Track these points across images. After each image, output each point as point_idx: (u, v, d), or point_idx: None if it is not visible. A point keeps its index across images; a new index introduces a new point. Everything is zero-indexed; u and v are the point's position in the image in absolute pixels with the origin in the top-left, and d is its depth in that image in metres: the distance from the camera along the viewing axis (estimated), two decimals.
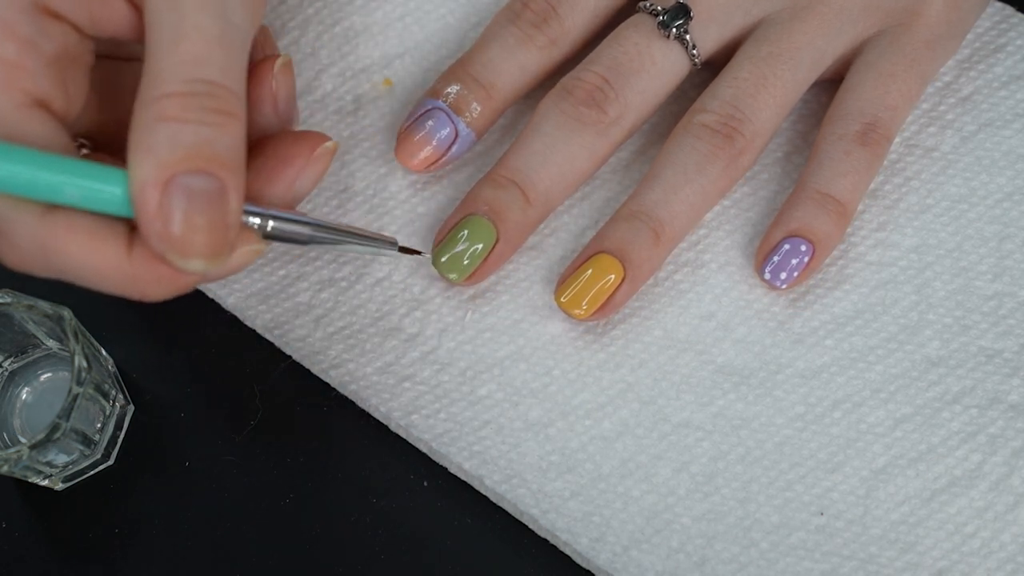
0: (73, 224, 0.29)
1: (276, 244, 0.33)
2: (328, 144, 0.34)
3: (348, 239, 0.35)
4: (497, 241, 0.39)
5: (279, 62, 0.34)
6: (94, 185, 0.28)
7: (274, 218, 0.32)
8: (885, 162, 0.41)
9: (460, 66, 0.41)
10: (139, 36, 0.31)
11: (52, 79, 0.30)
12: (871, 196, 0.42)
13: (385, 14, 0.45)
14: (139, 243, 0.29)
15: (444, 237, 0.39)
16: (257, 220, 0.32)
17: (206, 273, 0.30)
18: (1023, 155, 0.42)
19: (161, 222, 0.28)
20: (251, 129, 0.32)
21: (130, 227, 0.30)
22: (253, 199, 0.32)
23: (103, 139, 0.34)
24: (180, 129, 0.28)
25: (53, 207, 0.29)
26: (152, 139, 0.28)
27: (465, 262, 0.39)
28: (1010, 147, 0.42)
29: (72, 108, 0.31)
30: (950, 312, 0.40)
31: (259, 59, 0.34)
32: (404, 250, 0.37)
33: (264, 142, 0.34)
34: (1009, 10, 0.44)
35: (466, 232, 0.39)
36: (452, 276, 0.39)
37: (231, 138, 0.29)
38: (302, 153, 0.33)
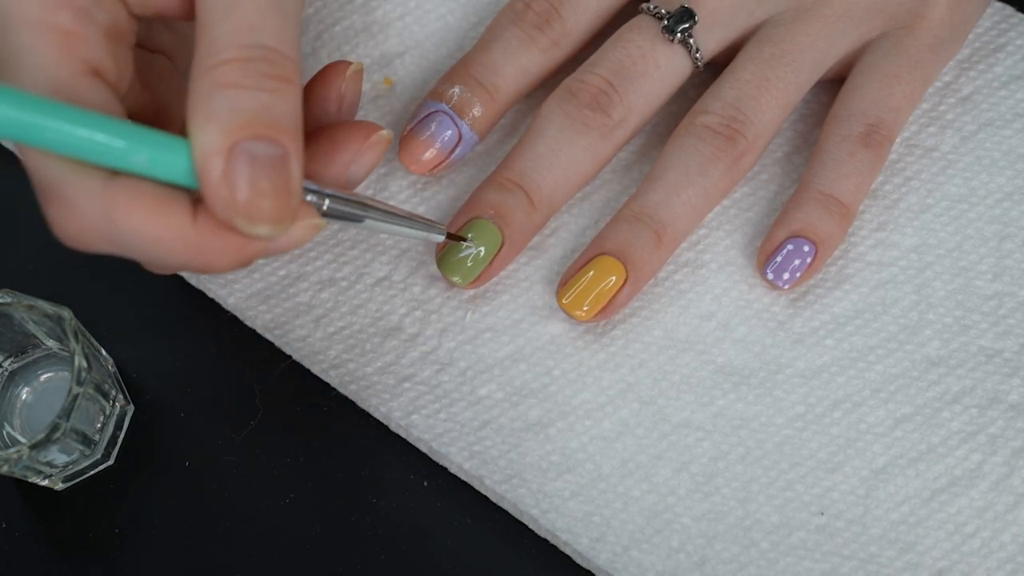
0: (137, 191, 0.29)
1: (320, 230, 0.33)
2: (383, 133, 0.34)
3: (399, 222, 0.35)
4: (502, 245, 0.39)
5: (352, 68, 0.34)
6: (159, 152, 0.28)
7: (331, 197, 0.32)
8: (885, 162, 0.41)
9: (462, 67, 0.41)
10: (183, 13, 0.31)
11: (106, 50, 0.30)
12: (871, 196, 0.42)
13: (385, 13, 0.45)
14: (203, 212, 0.29)
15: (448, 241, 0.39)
16: (314, 198, 0.32)
17: (271, 239, 0.30)
18: (1023, 155, 0.42)
19: (227, 189, 0.28)
20: (312, 122, 0.32)
21: (193, 196, 0.30)
22: (308, 180, 0.32)
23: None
24: (239, 95, 0.28)
25: (115, 175, 0.29)
26: (212, 106, 0.28)
27: (469, 265, 0.39)
28: (1010, 147, 0.42)
29: (122, 83, 0.31)
30: (950, 312, 0.40)
31: (332, 63, 0.35)
32: (452, 237, 0.38)
33: (320, 129, 0.34)
34: (1009, 10, 0.44)
35: (471, 235, 0.39)
36: (456, 279, 0.39)
37: (289, 103, 0.29)
38: (357, 139, 0.33)
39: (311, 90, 0.34)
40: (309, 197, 0.32)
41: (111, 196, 0.29)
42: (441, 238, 0.37)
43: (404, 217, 0.35)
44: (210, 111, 0.28)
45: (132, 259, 0.31)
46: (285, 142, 0.29)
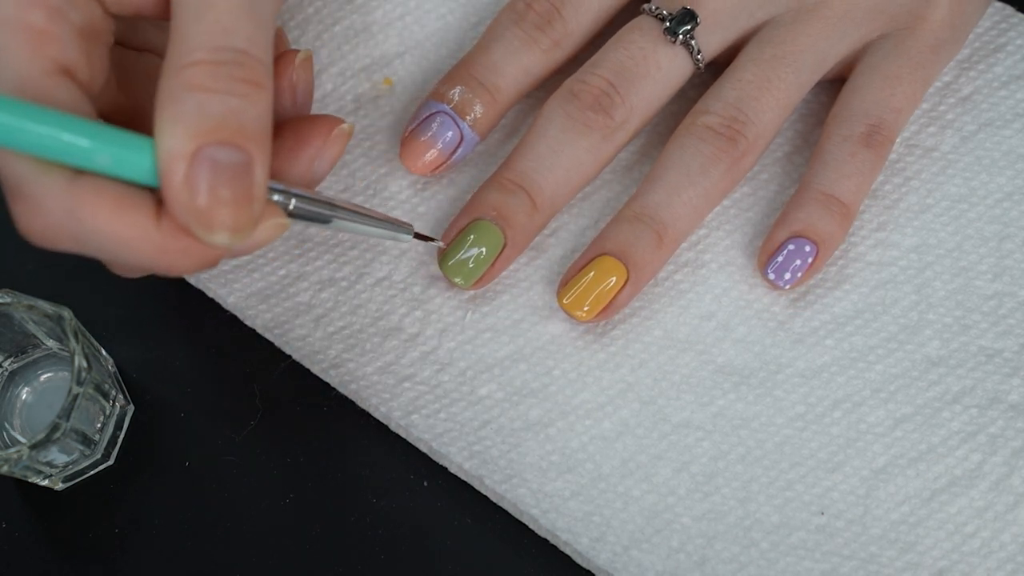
0: (101, 190, 0.29)
1: (278, 241, 0.33)
2: (344, 126, 0.34)
3: (367, 222, 0.35)
4: (505, 246, 0.39)
5: (300, 56, 0.34)
6: (123, 152, 0.28)
7: (296, 196, 0.32)
8: (885, 162, 0.41)
9: (463, 68, 0.41)
10: (161, 13, 0.31)
11: (79, 50, 0.30)
12: (871, 196, 0.42)
13: (385, 13, 0.45)
14: (167, 214, 0.29)
15: (451, 241, 0.39)
16: (279, 198, 0.32)
17: (231, 246, 0.30)
18: (1023, 155, 0.42)
19: (187, 194, 0.28)
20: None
21: (157, 197, 0.29)
22: (274, 179, 0.32)
23: (113, 124, 0.34)
24: (207, 99, 0.28)
25: (80, 174, 0.29)
26: (179, 108, 0.28)
27: (471, 266, 0.39)
28: (1010, 147, 0.42)
29: (95, 83, 0.31)
30: (950, 312, 0.40)
31: (280, 53, 0.34)
32: (419, 236, 0.38)
33: (282, 125, 0.34)
34: (1009, 10, 0.44)
35: (473, 237, 0.39)
36: (458, 281, 0.39)
37: (258, 109, 0.29)
38: (320, 134, 0.33)
39: None
40: (276, 197, 0.31)
41: (75, 195, 0.28)
42: (409, 238, 0.37)
43: (372, 217, 0.35)
44: (177, 113, 0.28)
45: (97, 259, 0.31)
46: (250, 148, 0.28)
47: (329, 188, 0.42)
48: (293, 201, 0.32)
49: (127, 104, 0.34)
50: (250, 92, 0.29)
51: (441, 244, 0.39)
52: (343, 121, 0.34)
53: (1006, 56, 0.43)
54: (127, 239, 0.29)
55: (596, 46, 0.41)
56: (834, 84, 0.42)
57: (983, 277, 0.41)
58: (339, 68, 0.44)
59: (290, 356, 0.41)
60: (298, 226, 0.42)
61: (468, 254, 0.39)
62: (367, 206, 0.42)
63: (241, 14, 0.29)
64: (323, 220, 0.33)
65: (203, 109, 0.28)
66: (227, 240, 0.29)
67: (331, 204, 0.33)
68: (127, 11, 0.32)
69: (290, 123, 0.34)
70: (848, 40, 0.40)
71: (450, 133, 0.40)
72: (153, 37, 0.36)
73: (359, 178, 0.43)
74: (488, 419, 0.40)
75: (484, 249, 0.39)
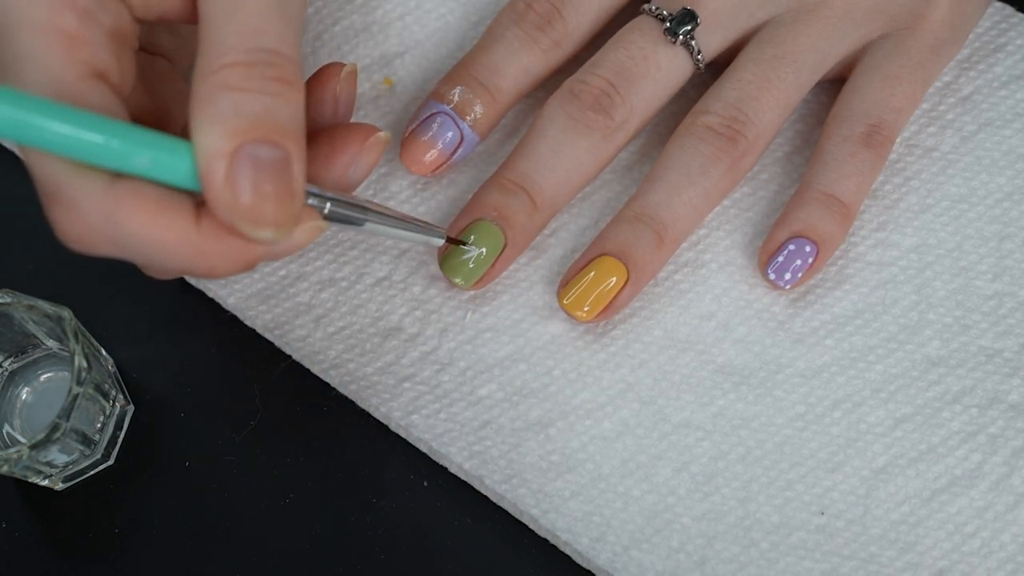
0: (141, 194, 0.29)
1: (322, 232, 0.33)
2: (381, 135, 0.34)
3: (400, 225, 0.35)
4: (505, 246, 0.39)
5: (345, 70, 0.34)
6: (162, 155, 0.28)
7: (332, 200, 0.32)
8: (886, 162, 0.41)
9: (463, 68, 0.41)
10: (186, 16, 0.31)
11: (110, 53, 0.30)
12: (871, 196, 0.42)
13: (385, 13, 0.45)
14: (206, 215, 0.29)
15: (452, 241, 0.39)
16: (315, 201, 0.32)
17: (274, 243, 0.30)
18: (1023, 155, 0.42)
19: (230, 192, 0.28)
20: (308, 125, 0.32)
21: (196, 200, 0.30)
22: (310, 183, 0.32)
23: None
24: (243, 98, 0.28)
25: (118, 177, 0.29)
26: (216, 109, 0.28)
27: (471, 267, 0.39)
28: (1010, 147, 0.42)
29: (126, 86, 0.31)
30: (950, 312, 0.40)
31: (325, 65, 0.35)
32: (452, 240, 0.38)
33: (320, 131, 0.34)
34: (1009, 10, 0.44)
35: (473, 237, 0.39)
36: (458, 281, 0.39)
37: (292, 107, 0.29)
38: (356, 141, 0.33)
39: (306, 92, 0.35)
40: (311, 201, 0.32)
41: (114, 198, 0.28)
42: (441, 241, 0.37)
43: (404, 220, 0.35)
44: (213, 114, 0.28)
45: (134, 263, 0.31)
46: (288, 145, 0.29)
47: None
48: (328, 204, 0.32)
49: (151, 107, 0.34)
50: (283, 91, 0.29)
51: (472, 247, 0.39)
52: (379, 130, 0.34)
53: (1006, 56, 0.43)
54: (166, 242, 0.29)
55: (596, 46, 0.41)
56: (834, 84, 0.42)
57: (983, 277, 0.41)
58: None
59: (290, 356, 0.41)
60: (332, 228, 0.42)
61: (469, 254, 0.39)
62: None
63: (271, 14, 0.29)
64: (357, 223, 0.33)
65: (239, 108, 0.28)
66: (272, 235, 0.29)
67: (365, 208, 0.33)
68: (152, 15, 0.32)
69: (327, 130, 0.34)
70: (848, 40, 0.40)
71: (450, 133, 0.40)
72: (165, 42, 0.36)
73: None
74: (488, 419, 0.40)
75: (484, 249, 0.39)
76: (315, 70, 0.35)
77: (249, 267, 0.31)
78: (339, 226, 0.33)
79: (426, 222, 0.37)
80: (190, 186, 0.29)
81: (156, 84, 0.35)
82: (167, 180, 0.29)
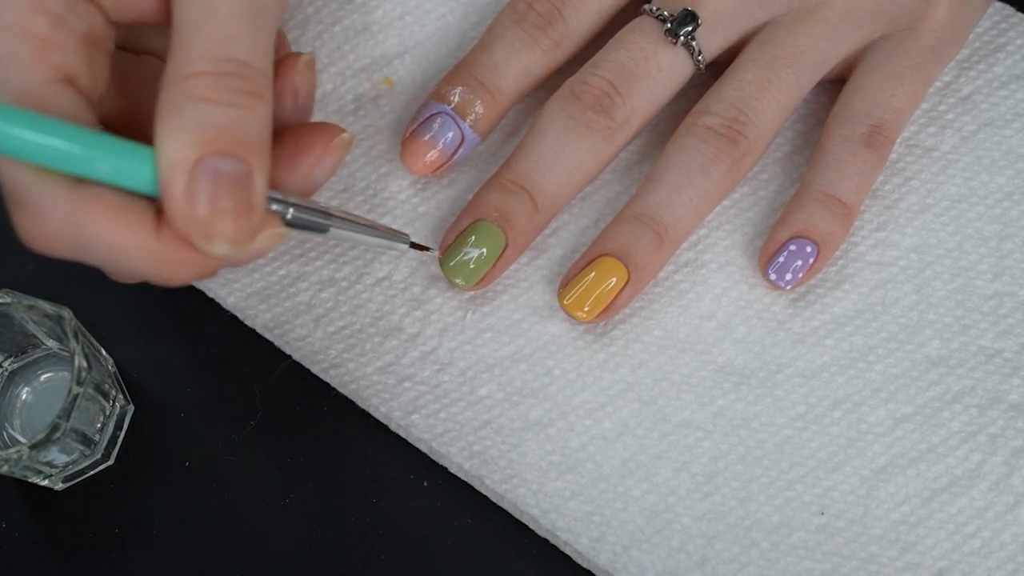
0: (101, 199, 0.29)
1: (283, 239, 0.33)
2: (345, 135, 0.33)
3: (363, 231, 0.35)
4: (506, 247, 0.39)
5: (303, 60, 0.34)
6: (124, 161, 0.28)
7: (294, 206, 0.32)
8: (886, 162, 0.41)
9: (464, 68, 0.40)
10: (162, 19, 0.31)
11: (81, 57, 0.30)
12: (871, 196, 0.42)
13: (385, 13, 0.45)
14: (167, 224, 0.29)
15: (453, 242, 0.39)
16: (277, 207, 0.32)
17: (230, 256, 0.30)
18: (1023, 155, 0.42)
19: (188, 204, 0.28)
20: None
21: (158, 207, 0.29)
22: (272, 187, 0.32)
23: (113, 130, 0.34)
24: (210, 110, 0.28)
25: (81, 182, 0.29)
26: (181, 119, 0.28)
27: (472, 267, 0.39)
28: (1010, 147, 0.42)
29: (97, 90, 0.31)
30: (950, 312, 0.40)
31: (282, 56, 0.34)
32: (415, 246, 0.38)
33: (282, 132, 0.34)
34: (1009, 10, 0.44)
35: (474, 238, 0.39)
36: (459, 282, 0.39)
37: (259, 120, 0.29)
38: (319, 142, 0.33)
39: None
40: (274, 206, 0.31)
41: (76, 203, 0.28)
42: (405, 247, 0.37)
43: (368, 226, 0.35)
44: (178, 123, 0.28)
45: (96, 267, 0.31)
46: (251, 160, 0.29)
47: (329, 188, 0.43)
48: (291, 211, 0.32)
49: (128, 109, 0.34)
50: (251, 103, 0.29)
51: (437, 254, 0.39)
52: (343, 130, 0.34)
53: (1006, 56, 0.43)
54: (126, 248, 0.29)
55: (597, 46, 0.41)
56: (834, 84, 0.42)
57: (983, 277, 0.41)
58: (339, 68, 0.44)
59: (290, 356, 0.41)
60: (294, 234, 0.42)
61: (469, 255, 0.39)
62: (366, 208, 0.42)
63: (243, 22, 0.29)
64: (320, 229, 0.33)
65: (205, 119, 0.28)
66: (226, 250, 0.29)
67: (328, 213, 0.33)
68: (127, 18, 0.32)
69: (290, 131, 0.34)
70: (849, 41, 0.40)
71: (451, 134, 0.40)
72: (154, 41, 0.36)
73: (359, 178, 0.43)
74: (488, 419, 0.40)
75: (485, 250, 0.39)
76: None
77: (210, 274, 0.31)
78: (302, 233, 0.33)
79: (390, 228, 0.36)
80: (150, 193, 0.29)
81: (142, 84, 0.34)
82: (129, 186, 0.29)
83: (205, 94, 0.28)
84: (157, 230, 0.29)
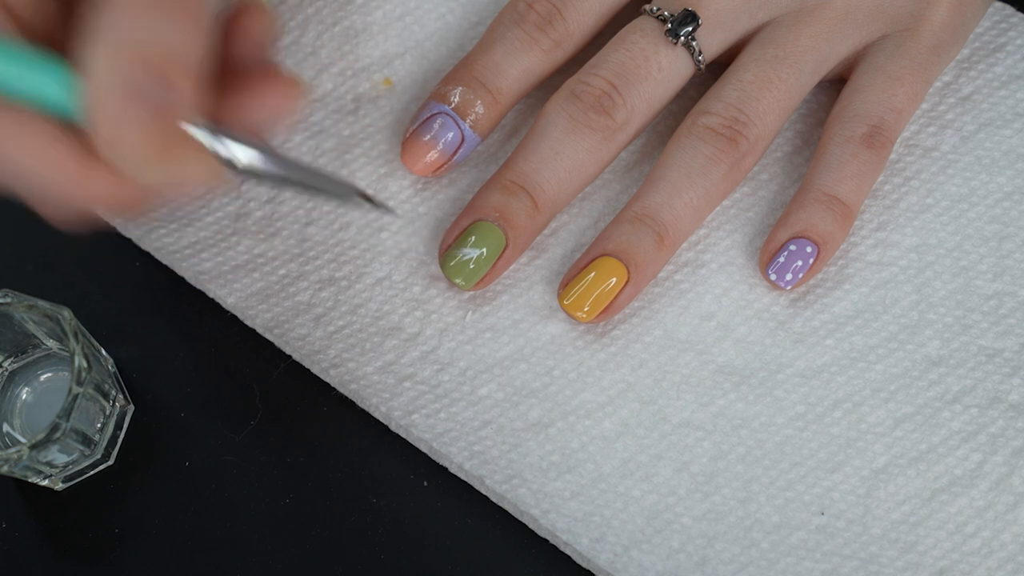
0: (22, 120, 0.27)
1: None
2: (294, 76, 0.31)
3: (306, 177, 0.31)
4: (506, 247, 0.39)
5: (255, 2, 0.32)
6: (44, 77, 0.27)
7: (227, 136, 0.29)
8: (886, 163, 0.41)
9: (464, 68, 0.41)
10: None
11: None
12: (871, 196, 0.42)
13: (385, 13, 0.45)
14: (89, 143, 0.27)
15: (452, 242, 0.39)
16: (208, 140, 0.29)
17: (148, 178, 0.28)
18: (1023, 155, 0.42)
19: (109, 122, 0.27)
20: (223, 64, 0.30)
21: (79, 128, 0.28)
22: (210, 121, 0.30)
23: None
24: (135, 22, 0.26)
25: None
26: (109, 34, 0.26)
27: (472, 267, 0.39)
28: (1010, 147, 0.42)
29: (27, 12, 0.29)
30: (950, 312, 0.40)
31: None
32: (366, 199, 0.32)
33: (227, 72, 0.31)
34: (1009, 10, 0.44)
35: (474, 238, 0.39)
36: (459, 282, 0.39)
37: (187, 35, 0.27)
38: (270, 81, 0.31)
39: (220, 30, 0.32)
40: (204, 136, 0.29)
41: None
42: (356, 200, 0.32)
43: (312, 172, 0.31)
44: (106, 39, 0.26)
45: (20, 195, 0.29)
46: (177, 79, 0.27)
47: None
48: (224, 144, 0.29)
49: (58, 31, 0.31)
50: (182, 20, 0.27)
51: (396, 213, 0.37)
52: (297, 78, 0.31)
53: (1006, 56, 0.43)
54: (44, 169, 0.28)
55: (597, 46, 0.41)
56: (835, 84, 0.42)
57: (983, 277, 0.41)
58: (339, 68, 0.44)
59: (290, 356, 0.41)
60: (296, 225, 0.42)
61: (469, 255, 0.39)
62: (366, 208, 0.42)
63: None
64: (257, 173, 0.30)
65: (130, 33, 0.26)
66: (146, 172, 0.27)
67: (270, 152, 0.30)
68: None
69: (242, 70, 0.31)
70: (849, 41, 0.40)
71: (451, 134, 0.40)
72: None
73: (359, 178, 0.43)
74: (488, 419, 0.40)
75: (485, 250, 0.39)
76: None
77: (137, 206, 0.29)
78: (239, 175, 0.30)
79: (337, 176, 0.33)
80: (69, 111, 0.27)
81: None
82: (45, 102, 0.27)
83: (134, 9, 0.27)
84: (83, 154, 0.28)
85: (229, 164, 0.30)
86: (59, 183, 0.28)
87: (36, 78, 0.27)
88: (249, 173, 0.30)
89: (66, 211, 0.31)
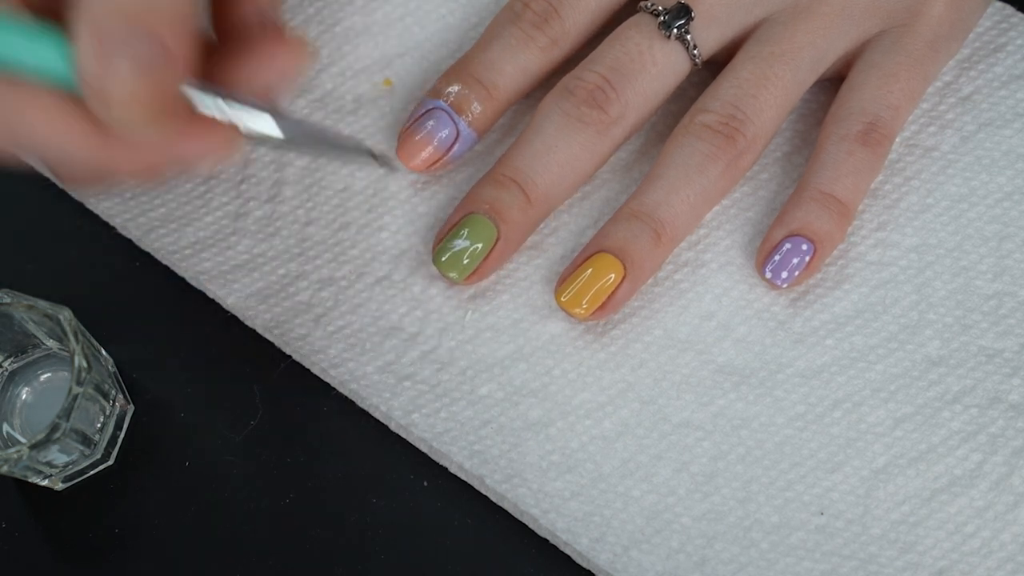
0: (35, 92, 0.28)
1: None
2: (300, 36, 0.31)
3: (316, 137, 0.32)
4: (498, 240, 0.39)
5: None
6: (33, 43, 0.27)
7: (231, 99, 0.29)
8: (885, 161, 0.41)
9: (461, 66, 0.41)
10: None
11: None
12: (871, 196, 0.42)
13: (385, 14, 0.45)
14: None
15: (444, 236, 0.39)
16: (212, 101, 0.29)
17: (149, 137, 0.28)
18: (1023, 155, 0.42)
19: (100, 82, 0.27)
20: (225, 25, 0.31)
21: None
22: (213, 84, 0.30)
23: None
24: None
25: (11, 80, 0.27)
26: None
27: (465, 261, 0.39)
28: (1010, 147, 0.42)
29: None
30: (950, 312, 0.40)
31: None
32: (373, 156, 0.33)
33: (234, 33, 0.31)
34: (1009, 10, 0.44)
35: (467, 231, 0.39)
36: (452, 275, 0.39)
37: None
38: (273, 41, 0.31)
39: None
40: (204, 99, 0.29)
41: (7, 96, 0.28)
42: (367, 159, 0.33)
43: (322, 132, 0.32)
44: (89, 1, 0.27)
45: (42, 166, 0.29)
46: (165, 34, 0.27)
47: (328, 188, 0.43)
48: (230, 107, 0.29)
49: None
50: None
51: (400, 168, 0.36)
52: (303, 38, 0.31)
53: (1006, 56, 0.43)
54: (61, 137, 0.28)
55: (595, 45, 0.41)
56: (834, 83, 0.42)
57: (983, 277, 0.41)
58: (339, 68, 0.44)
59: (290, 356, 0.41)
60: (296, 225, 0.42)
61: (461, 247, 0.39)
62: (366, 208, 0.42)
63: None
64: (264, 137, 0.30)
65: None
66: (144, 130, 0.27)
67: (276, 112, 0.30)
68: None
69: (245, 33, 0.31)
70: (847, 37, 0.40)
71: (446, 130, 0.40)
72: None
73: (359, 178, 0.43)
74: (488, 419, 0.40)
75: (478, 244, 0.39)
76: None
77: (154, 171, 0.29)
78: (247, 141, 0.30)
79: (346, 137, 0.32)
80: (65, 76, 0.28)
81: None
82: (42, 69, 0.27)
83: None
84: (87, 117, 0.28)
85: (234, 129, 0.29)
86: (72, 149, 0.28)
87: (40, 50, 0.27)
88: (257, 138, 0.30)
89: (84, 177, 0.31)
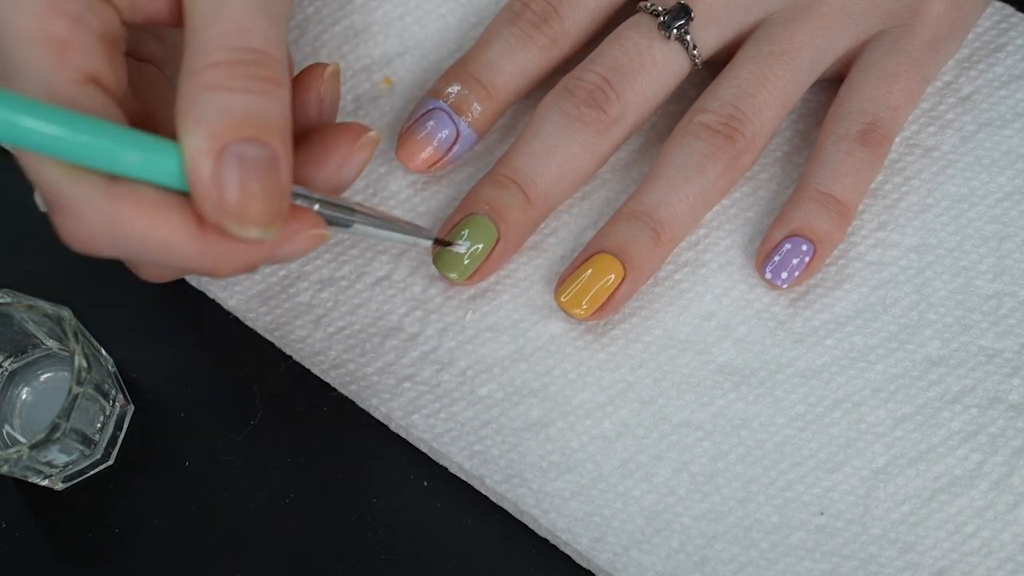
0: (140, 196, 0.29)
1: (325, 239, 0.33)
2: (372, 134, 0.34)
3: (388, 226, 0.35)
4: (498, 241, 0.39)
5: (328, 70, 0.35)
6: (151, 155, 0.28)
7: (320, 201, 0.32)
8: (885, 161, 0.41)
9: (461, 66, 0.41)
10: (174, 20, 0.31)
11: (102, 57, 0.30)
12: (871, 196, 0.42)
13: (385, 13, 0.45)
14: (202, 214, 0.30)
15: (445, 236, 0.39)
16: (302, 203, 0.32)
17: (261, 241, 0.30)
18: (1023, 155, 0.42)
19: (216, 190, 0.28)
20: (294, 127, 0.33)
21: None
22: (300, 184, 0.32)
23: None
24: (228, 98, 0.29)
25: (117, 180, 0.29)
26: (201, 109, 0.28)
27: (466, 262, 0.39)
28: (1010, 147, 0.42)
29: (119, 89, 0.31)
30: (950, 312, 0.40)
31: (308, 66, 0.35)
32: (439, 242, 0.39)
33: (309, 132, 0.34)
34: (1009, 10, 0.44)
35: (467, 232, 0.39)
36: (452, 276, 0.39)
37: (278, 105, 0.29)
38: (347, 141, 0.33)
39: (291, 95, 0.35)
40: (298, 202, 0.32)
41: (113, 201, 0.29)
42: (429, 243, 0.38)
43: (393, 221, 0.35)
44: (199, 114, 0.28)
45: (139, 265, 0.31)
46: (274, 144, 0.29)
47: None
48: (316, 206, 0.32)
49: (140, 112, 0.34)
50: (270, 89, 0.29)
51: (461, 244, 0.39)
52: (370, 129, 0.34)
53: (1006, 56, 0.43)
54: (168, 243, 0.29)
55: (595, 45, 0.41)
56: (833, 84, 0.42)
57: (983, 277, 0.41)
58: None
59: (290, 356, 0.41)
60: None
61: (461, 248, 0.39)
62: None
63: (255, 13, 0.30)
64: (345, 225, 0.33)
65: (225, 108, 0.28)
66: (259, 233, 0.29)
67: (353, 209, 0.33)
68: (139, 18, 0.32)
69: (317, 131, 0.34)
70: (846, 37, 0.40)
71: (446, 130, 0.40)
72: (152, 49, 0.36)
73: (359, 177, 0.43)
74: (488, 419, 0.40)
75: (479, 244, 0.39)
76: (298, 72, 0.35)
77: (251, 268, 0.31)
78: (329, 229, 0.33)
79: (415, 224, 0.37)
80: (179, 186, 0.29)
81: (144, 90, 0.35)
82: (157, 180, 0.29)
83: (223, 83, 0.29)
84: (199, 224, 0.29)
85: (324, 226, 0.32)
86: (175, 249, 0.30)
87: (137, 151, 0.28)
88: (335, 228, 0.33)
89: (171, 274, 0.32)
